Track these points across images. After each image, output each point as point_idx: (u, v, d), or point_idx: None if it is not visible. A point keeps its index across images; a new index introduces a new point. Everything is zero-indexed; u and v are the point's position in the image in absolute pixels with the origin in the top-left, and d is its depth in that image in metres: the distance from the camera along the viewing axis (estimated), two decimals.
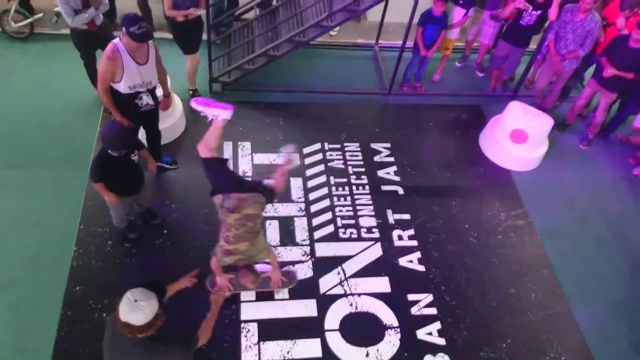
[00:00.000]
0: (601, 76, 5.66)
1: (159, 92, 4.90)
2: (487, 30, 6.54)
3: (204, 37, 5.54)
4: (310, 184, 5.28)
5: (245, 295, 4.33)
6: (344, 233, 4.90)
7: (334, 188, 5.27)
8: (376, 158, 5.64)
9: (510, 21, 6.02)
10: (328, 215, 5.02)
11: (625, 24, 5.59)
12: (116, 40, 3.99)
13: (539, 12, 5.73)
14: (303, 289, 4.43)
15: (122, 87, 4.09)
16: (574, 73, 6.23)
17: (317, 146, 5.66)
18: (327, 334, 4.20)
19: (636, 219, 5.51)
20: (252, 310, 4.26)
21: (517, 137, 5.60)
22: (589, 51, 5.78)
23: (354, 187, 5.31)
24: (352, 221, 5.00)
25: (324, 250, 4.74)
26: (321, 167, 5.45)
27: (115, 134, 3.76)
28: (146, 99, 4.28)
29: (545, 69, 6.18)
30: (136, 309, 2.57)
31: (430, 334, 4.32)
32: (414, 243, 4.92)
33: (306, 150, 5.59)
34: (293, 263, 4.60)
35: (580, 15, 5.53)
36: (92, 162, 3.97)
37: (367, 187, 5.33)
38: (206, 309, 3.26)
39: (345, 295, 4.45)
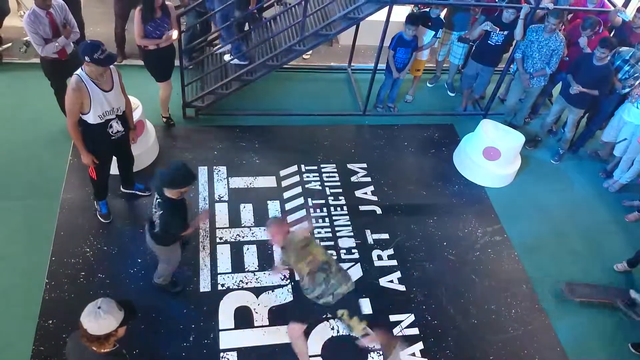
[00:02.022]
0: (568, 93, 5.82)
1: (137, 112, 4.88)
2: (456, 50, 6.69)
3: (177, 63, 5.53)
4: (288, 206, 5.25)
5: (224, 323, 4.24)
6: None
7: (311, 210, 5.25)
8: (353, 178, 5.66)
9: (479, 41, 6.17)
10: None
11: (588, 43, 5.79)
12: (78, 71, 3.92)
13: (506, 32, 5.90)
14: (283, 315, 4.35)
15: (92, 117, 4.02)
16: (543, 90, 6.39)
17: (294, 168, 5.65)
18: None
19: (609, 230, 5.62)
20: (231, 338, 4.16)
21: (490, 155, 5.70)
22: (555, 69, 5.96)
23: (332, 208, 5.30)
24: (331, 242, 4.98)
25: None
26: (298, 189, 5.43)
27: (183, 169, 3.53)
28: (116, 126, 4.22)
29: (515, 87, 6.33)
30: (95, 316, 2.52)
31: (413, 354, 4.28)
32: (394, 262, 4.91)
33: (283, 172, 5.57)
34: (272, 288, 4.54)
35: (545, 34, 5.71)
36: (172, 218, 3.63)
37: (345, 207, 5.33)
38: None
39: (326, 319, 4.39)
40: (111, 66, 4.00)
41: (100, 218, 4.81)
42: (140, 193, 5.07)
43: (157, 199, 3.69)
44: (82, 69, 3.91)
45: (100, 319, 2.53)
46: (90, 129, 4.10)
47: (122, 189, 5.01)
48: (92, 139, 4.17)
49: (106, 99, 4.02)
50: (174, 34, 5.15)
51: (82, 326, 2.55)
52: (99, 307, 2.55)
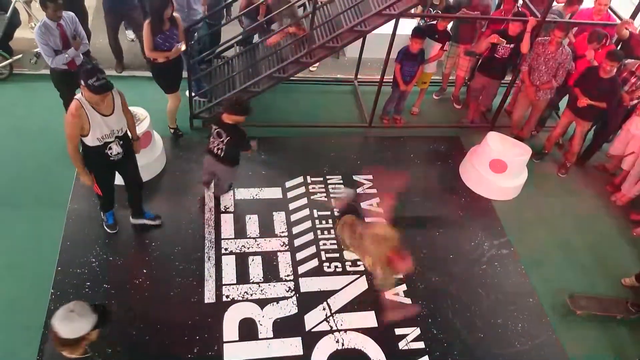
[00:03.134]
0: (575, 106, 5.81)
1: (145, 124, 4.90)
2: (462, 63, 6.71)
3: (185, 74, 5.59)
4: (294, 217, 5.25)
5: (228, 335, 4.22)
6: (329, 267, 4.85)
7: (317, 221, 5.24)
8: (359, 190, 5.65)
9: (486, 54, 6.19)
10: (312, 249, 4.97)
11: (595, 55, 5.79)
12: (78, 95, 3.86)
13: (512, 45, 5.91)
14: (288, 327, 4.34)
15: (90, 140, 3.97)
16: (549, 103, 6.38)
17: (300, 179, 5.65)
18: None
19: (617, 244, 5.57)
20: (235, 350, 4.14)
21: (496, 167, 5.68)
22: (562, 82, 5.95)
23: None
24: (337, 254, 4.96)
25: (308, 285, 4.67)
26: (304, 200, 5.43)
27: (244, 102, 4.50)
28: (115, 149, 4.14)
29: (522, 100, 6.33)
30: (67, 319, 2.51)
31: None
32: (399, 275, 4.88)
33: (288, 184, 5.58)
34: (277, 300, 4.52)
35: (551, 47, 5.72)
36: (241, 141, 4.53)
37: None
38: None
39: (331, 331, 4.37)
40: (114, 90, 3.92)
41: (106, 228, 4.82)
42: (150, 223, 4.91)
43: (215, 129, 4.53)
44: (81, 93, 3.83)
45: (73, 322, 2.50)
46: (89, 151, 4.07)
47: (131, 219, 4.88)
48: (91, 159, 4.15)
49: (106, 124, 3.95)
50: (183, 46, 5.21)
51: (54, 330, 2.51)
52: (71, 311, 2.53)
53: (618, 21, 6.10)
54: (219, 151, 4.60)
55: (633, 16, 6.13)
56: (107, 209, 4.74)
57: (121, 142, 4.17)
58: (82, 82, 3.70)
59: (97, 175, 4.29)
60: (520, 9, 6.24)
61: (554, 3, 5.83)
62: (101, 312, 2.69)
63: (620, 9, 6.36)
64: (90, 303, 2.69)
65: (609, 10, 6.23)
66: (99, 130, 3.94)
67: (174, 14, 5.12)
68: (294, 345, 4.23)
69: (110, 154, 4.15)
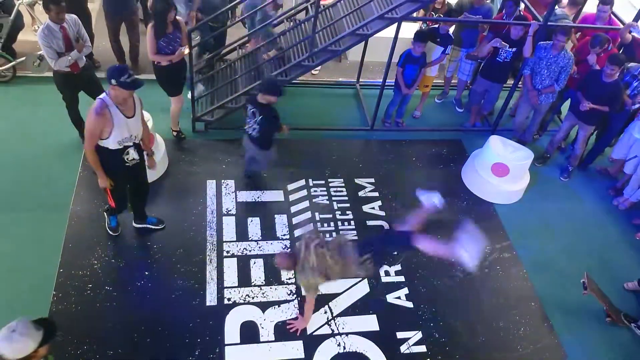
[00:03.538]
0: (578, 110, 5.80)
1: (148, 125, 4.91)
2: (464, 67, 6.72)
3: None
4: (295, 220, 5.25)
5: (230, 338, 4.22)
6: None
7: (319, 224, 5.24)
8: (361, 193, 5.65)
9: (488, 58, 6.19)
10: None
11: (597, 60, 5.79)
12: (102, 95, 3.85)
13: (514, 49, 5.92)
14: (289, 330, 4.33)
15: (112, 143, 3.93)
16: (551, 107, 6.38)
17: (302, 182, 5.65)
18: None
19: (619, 248, 5.55)
20: (236, 353, 4.14)
21: (498, 171, 5.67)
22: (564, 86, 5.95)
23: (339, 223, 5.29)
24: None
25: None
26: (306, 204, 5.43)
27: (278, 83, 4.92)
28: (132, 154, 4.12)
29: (523, 104, 6.33)
30: (9, 340, 2.47)
31: None
32: (401, 279, 4.88)
33: (290, 187, 5.58)
34: (279, 303, 4.51)
35: (553, 51, 5.72)
36: (269, 120, 4.80)
37: (352, 222, 5.31)
38: None
39: (332, 335, 4.36)
40: (135, 95, 3.96)
41: (109, 230, 4.81)
42: (153, 227, 4.92)
43: (250, 109, 4.85)
44: (106, 93, 3.84)
45: (14, 342, 2.47)
46: (107, 155, 4.01)
47: (134, 223, 4.89)
48: (107, 164, 4.08)
49: (127, 126, 3.95)
50: (186, 49, 5.22)
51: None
52: (13, 331, 2.49)
53: (621, 26, 6.10)
54: (253, 131, 4.93)
55: (635, 20, 6.12)
56: (114, 212, 4.70)
57: (136, 148, 4.16)
58: (114, 81, 3.70)
59: (113, 185, 4.22)
60: (522, 13, 6.26)
61: (556, 6, 5.83)
62: (47, 327, 2.65)
63: (622, 13, 6.35)
64: (33, 319, 2.63)
65: (612, 15, 6.23)
66: (120, 133, 3.92)
67: (177, 17, 5.14)
68: (295, 349, 4.22)
69: (127, 159, 4.12)
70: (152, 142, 5.21)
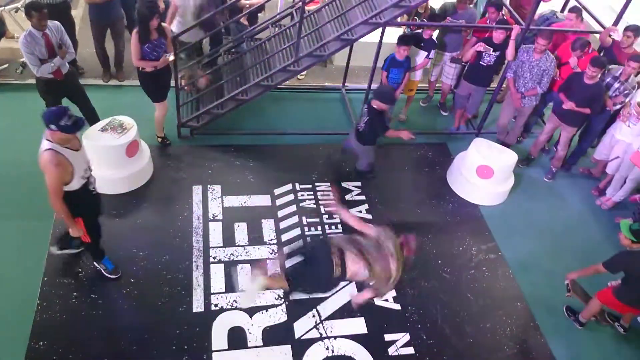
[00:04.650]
0: (560, 112, 5.89)
1: (132, 133, 4.80)
2: (448, 71, 6.78)
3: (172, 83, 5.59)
4: (283, 224, 5.25)
5: (217, 344, 4.19)
6: None
7: (306, 228, 5.25)
8: (347, 197, 5.67)
9: (471, 62, 6.26)
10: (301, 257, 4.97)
11: (578, 62, 5.89)
12: (46, 144, 3.58)
13: (497, 52, 5.99)
14: (277, 335, 4.32)
15: (77, 183, 3.77)
16: (534, 110, 6.46)
17: (289, 187, 5.66)
18: None
19: (602, 248, 5.60)
20: (224, 359, 4.12)
21: (483, 173, 5.73)
22: (547, 89, 6.04)
23: (326, 227, 5.30)
24: None
25: (297, 292, 4.65)
26: (293, 208, 5.43)
27: (391, 91, 5.47)
28: (93, 181, 4.01)
29: (507, 107, 6.41)
30: None
31: None
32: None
33: (277, 191, 5.58)
34: (266, 307, 4.50)
35: (535, 55, 5.81)
36: (376, 121, 5.23)
37: (339, 226, 5.32)
38: None
39: (321, 338, 4.36)
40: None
41: (110, 276, 4.49)
42: (75, 251, 4.60)
43: (365, 107, 5.36)
44: (49, 140, 3.59)
45: None
46: (75, 195, 3.81)
47: (56, 250, 4.54)
48: (80, 203, 3.89)
49: (83, 159, 3.83)
50: (171, 56, 5.21)
51: None
52: None
53: (601, 29, 6.21)
54: (360, 128, 5.40)
55: (615, 23, 6.23)
56: (102, 255, 4.47)
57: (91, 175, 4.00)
58: (53, 126, 3.49)
59: (86, 220, 4.03)
60: (504, 17, 6.34)
61: (541, 4, 5.88)
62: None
63: (602, 16, 6.46)
64: None
65: (591, 18, 6.34)
66: (81, 167, 3.78)
67: (163, 24, 5.14)
68: (283, 353, 4.21)
69: (93, 188, 4.00)
70: (136, 149, 5.20)
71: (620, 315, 4.78)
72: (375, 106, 5.22)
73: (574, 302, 4.93)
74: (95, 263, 4.51)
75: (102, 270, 4.50)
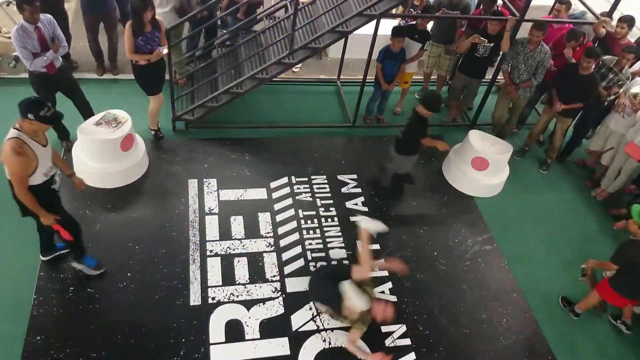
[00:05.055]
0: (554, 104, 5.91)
1: (127, 126, 4.73)
2: (443, 63, 6.78)
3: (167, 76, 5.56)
4: (279, 218, 5.25)
5: (215, 337, 4.20)
6: (315, 266, 4.85)
7: (302, 221, 5.25)
8: (343, 189, 5.67)
9: (466, 54, 6.25)
10: (298, 249, 4.98)
11: (572, 54, 5.90)
12: (13, 132, 3.55)
13: (492, 44, 5.99)
14: (274, 327, 4.34)
15: (38, 177, 3.69)
16: (530, 101, 6.48)
17: (284, 180, 5.65)
18: None
19: (597, 239, 5.67)
20: (222, 352, 4.13)
21: (478, 165, 5.74)
22: (541, 80, 6.04)
23: (322, 220, 5.30)
24: (322, 254, 4.97)
25: (294, 285, 4.67)
26: (289, 201, 5.43)
27: (438, 99, 5.10)
28: (57, 181, 3.93)
29: (502, 98, 6.41)
30: None
31: None
32: (385, 273, 4.91)
33: (273, 184, 5.58)
34: (264, 300, 4.51)
35: (530, 46, 5.81)
36: (415, 127, 5.10)
37: (335, 218, 5.33)
38: None
39: (318, 331, 4.37)
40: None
41: (93, 273, 4.41)
42: (63, 252, 4.51)
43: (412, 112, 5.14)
44: (17, 128, 3.57)
45: None
46: (36, 190, 3.71)
47: (42, 257, 4.48)
48: (47, 202, 3.82)
49: (47, 155, 3.76)
50: (165, 50, 5.18)
51: None
52: None
53: (595, 20, 6.21)
54: (401, 132, 5.33)
55: (609, 14, 6.24)
56: (83, 253, 4.37)
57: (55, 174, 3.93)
58: (31, 116, 3.46)
59: (60, 217, 3.95)
60: (499, 8, 6.33)
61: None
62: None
63: (596, 7, 6.47)
64: None
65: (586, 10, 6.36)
66: (45, 164, 3.73)
67: (157, 17, 5.10)
68: (280, 346, 4.23)
69: (56, 187, 3.92)
70: (131, 143, 5.18)
71: (620, 311, 4.80)
72: (419, 112, 5.03)
73: (569, 293, 4.97)
74: (75, 263, 4.39)
75: (83, 270, 4.39)
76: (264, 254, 4.88)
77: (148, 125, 5.80)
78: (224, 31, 6.48)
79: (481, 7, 6.49)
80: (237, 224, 5.11)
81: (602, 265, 4.63)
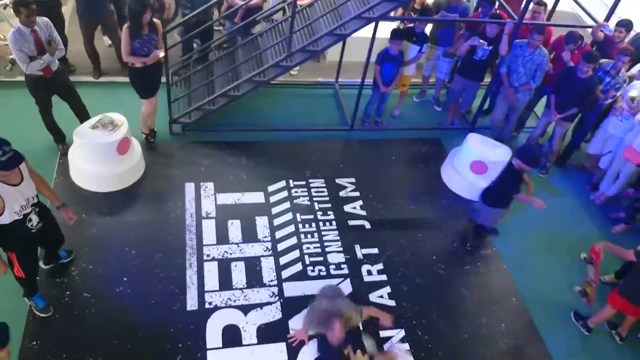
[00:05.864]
0: (554, 108, 5.91)
1: (123, 130, 4.70)
2: (442, 65, 6.77)
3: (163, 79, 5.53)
4: (277, 221, 5.22)
5: (212, 342, 4.17)
6: (313, 271, 4.83)
7: (300, 225, 5.22)
8: (342, 193, 5.65)
9: (464, 56, 6.24)
10: (296, 254, 4.95)
11: (571, 56, 5.89)
12: None
13: (491, 47, 5.97)
14: (272, 332, 4.30)
15: (7, 217, 3.50)
16: (528, 104, 6.46)
17: (282, 183, 5.63)
18: None
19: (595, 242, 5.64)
20: (219, 357, 4.09)
21: (477, 168, 5.72)
22: (540, 83, 6.03)
23: (320, 224, 5.27)
24: (321, 258, 4.94)
25: (292, 289, 4.64)
26: (287, 205, 5.40)
27: (538, 154, 4.94)
28: (35, 219, 3.72)
29: (501, 102, 6.40)
30: None
31: None
32: (384, 277, 4.88)
33: (271, 188, 5.55)
34: (261, 305, 4.48)
35: (529, 50, 5.80)
36: (508, 179, 4.76)
37: (334, 222, 5.30)
38: None
39: (315, 336, 4.34)
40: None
41: (40, 314, 4.15)
42: (66, 260, 4.53)
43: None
44: None
45: None
46: (7, 229, 3.55)
47: (43, 265, 4.42)
48: (11, 238, 3.67)
49: (20, 194, 3.53)
50: (162, 53, 5.15)
51: None
52: None
53: (593, 24, 6.21)
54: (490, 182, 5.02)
55: (607, 19, 6.23)
56: (34, 293, 4.14)
57: (38, 210, 3.76)
58: None
59: (19, 255, 3.79)
60: (497, 12, 6.32)
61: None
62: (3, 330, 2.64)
63: (594, 11, 6.47)
64: None
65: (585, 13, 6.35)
66: (16, 203, 3.52)
67: (154, 20, 5.08)
68: (278, 351, 4.19)
69: (32, 226, 3.71)
70: (128, 146, 5.15)
71: (619, 321, 4.73)
72: (515, 165, 4.68)
73: (568, 297, 4.95)
74: (26, 298, 4.17)
75: (32, 307, 4.18)
76: (262, 258, 4.85)
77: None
78: (224, 30, 6.45)
79: (479, 10, 6.48)
80: (234, 228, 5.07)
81: (614, 250, 4.48)
